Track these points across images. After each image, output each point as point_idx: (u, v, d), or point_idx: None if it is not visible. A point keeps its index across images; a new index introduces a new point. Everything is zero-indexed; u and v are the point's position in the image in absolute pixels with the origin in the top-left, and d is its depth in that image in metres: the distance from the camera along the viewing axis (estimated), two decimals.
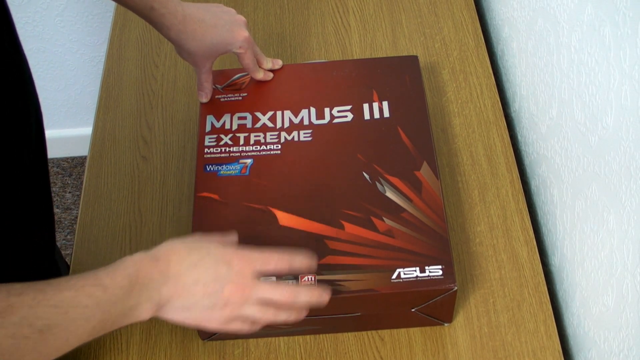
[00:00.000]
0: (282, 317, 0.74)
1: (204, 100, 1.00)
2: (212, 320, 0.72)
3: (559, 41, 0.88)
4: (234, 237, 0.78)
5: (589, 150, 0.82)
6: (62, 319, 0.62)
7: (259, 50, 1.01)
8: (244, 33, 0.96)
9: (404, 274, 0.82)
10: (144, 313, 0.68)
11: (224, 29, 0.95)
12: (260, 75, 1.01)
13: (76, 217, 1.31)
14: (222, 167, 0.92)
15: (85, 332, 0.64)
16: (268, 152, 0.93)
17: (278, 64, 1.03)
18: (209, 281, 0.70)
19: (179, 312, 0.71)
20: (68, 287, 0.64)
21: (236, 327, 0.73)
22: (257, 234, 0.86)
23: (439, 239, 0.85)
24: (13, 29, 0.80)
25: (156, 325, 0.92)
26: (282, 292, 0.73)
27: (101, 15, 1.71)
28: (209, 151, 0.94)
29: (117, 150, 1.09)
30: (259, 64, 1.01)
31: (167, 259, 0.70)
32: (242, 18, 0.97)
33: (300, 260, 0.76)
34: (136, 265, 0.68)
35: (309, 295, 0.75)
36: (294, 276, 0.83)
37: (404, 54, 1.16)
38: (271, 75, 1.02)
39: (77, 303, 0.63)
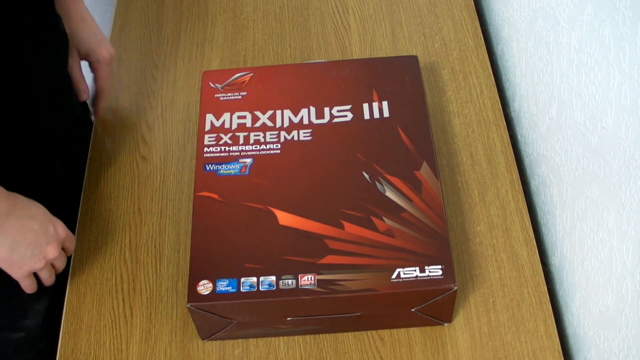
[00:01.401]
0: (44, 275, 0.88)
1: (84, 98, 1.04)
2: (22, 268, 0.83)
3: (559, 41, 0.88)
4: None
5: (589, 150, 0.82)
6: None
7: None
8: (111, 50, 1.04)
9: (404, 273, 0.82)
10: None
11: (98, 36, 1.03)
12: (102, 102, 1.07)
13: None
14: (222, 167, 0.92)
15: None
16: (268, 152, 0.93)
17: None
18: (39, 234, 0.83)
19: (4, 249, 0.81)
20: None
21: (29, 284, 0.86)
22: (257, 234, 0.86)
23: (439, 238, 0.85)
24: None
25: (156, 325, 0.92)
26: (62, 260, 0.88)
27: (101, 15, 1.70)
28: (208, 150, 0.94)
29: (117, 150, 1.09)
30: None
31: (15, 200, 0.81)
32: (112, 49, 1.05)
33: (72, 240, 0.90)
34: None
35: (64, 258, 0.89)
36: (293, 276, 0.83)
37: (403, 54, 1.16)
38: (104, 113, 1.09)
39: None
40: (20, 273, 0.84)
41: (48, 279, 0.87)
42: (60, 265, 0.88)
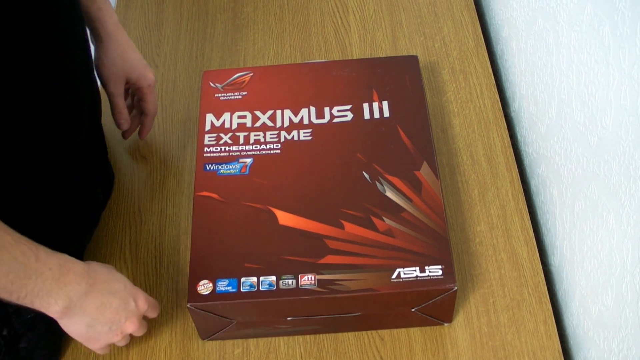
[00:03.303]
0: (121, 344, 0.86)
1: (125, 127, 1.03)
2: (100, 343, 0.81)
3: (559, 41, 0.88)
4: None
5: (589, 150, 0.82)
6: None
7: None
8: (153, 77, 1.01)
9: (404, 273, 0.82)
10: (54, 307, 0.74)
11: (142, 61, 1.01)
12: (150, 124, 1.05)
13: None
14: (222, 166, 0.92)
15: None
16: (268, 152, 0.93)
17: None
18: (118, 310, 0.79)
19: (82, 327, 0.78)
20: (11, 234, 0.69)
21: (104, 352, 0.85)
22: (257, 234, 0.86)
23: (439, 238, 0.85)
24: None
25: (156, 325, 0.92)
26: (143, 330, 0.85)
27: None
28: (208, 150, 0.94)
29: (117, 150, 1.09)
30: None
31: (95, 276, 0.78)
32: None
33: (155, 308, 0.87)
34: (70, 263, 0.74)
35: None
36: (293, 276, 0.83)
37: (403, 54, 1.16)
38: (144, 132, 1.06)
39: (9, 250, 0.68)
40: (96, 347, 0.82)
41: (123, 344, 0.85)
42: (140, 334, 0.85)
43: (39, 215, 0.83)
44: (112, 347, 0.91)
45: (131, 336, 0.86)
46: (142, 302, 0.82)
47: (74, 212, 0.90)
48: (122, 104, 1.00)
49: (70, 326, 0.78)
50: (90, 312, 0.77)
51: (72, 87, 0.84)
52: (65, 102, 0.82)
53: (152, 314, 0.86)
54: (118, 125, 1.02)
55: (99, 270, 0.79)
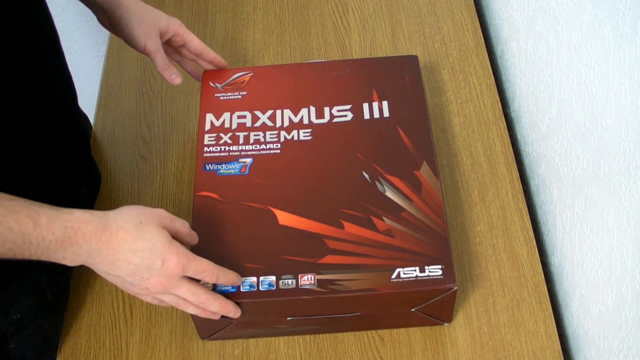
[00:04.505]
0: (190, 311, 0.81)
1: (178, 80, 1.00)
2: (128, 291, 0.78)
3: (559, 41, 0.88)
4: (188, 229, 0.81)
5: (589, 150, 0.82)
6: None
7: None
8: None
9: (404, 273, 0.82)
10: (67, 261, 0.72)
11: (160, 11, 0.99)
12: (212, 54, 1.02)
13: None
14: (222, 166, 0.92)
15: None
16: (268, 152, 0.93)
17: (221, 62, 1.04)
18: (140, 267, 0.74)
19: (103, 273, 0.76)
20: (5, 202, 0.67)
21: (147, 300, 0.80)
22: (257, 234, 0.86)
23: (439, 238, 0.85)
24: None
25: (156, 325, 0.92)
26: (197, 298, 0.79)
27: None
28: (208, 150, 0.94)
29: (116, 150, 1.09)
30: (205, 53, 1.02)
31: (113, 233, 0.73)
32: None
33: (227, 277, 0.81)
34: (79, 224, 0.71)
35: (220, 307, 0.81)
36: (293, 276, 0.83)
37: (403, 54, 1.16)
38: (224, 62, 1.03)
39: (2, 220, 0.66)
40: (129, 292, 0.79)
41: (176, 305, 0.80)
42: (190, 297, 0.79)
43: None
44: (111, 346, 0.91)
45: (182, 300, 0.79)
46: (172, 265, 0.75)
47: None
48: (164, 58, 0.98)
49: (96, 271, 0.75)
50: (103, 266, 0.74)
51: (40, 67, 0.82)
52: (34, 84, 0.80)
53: (195, 276, 0.78)
54: (171, 81, 0.99)
55: (124, 227, 0.73)
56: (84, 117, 1.07)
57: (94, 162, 1.04)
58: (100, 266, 0.74)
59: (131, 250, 0.73)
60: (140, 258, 0.74)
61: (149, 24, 0.96)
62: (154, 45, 0.97)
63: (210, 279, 0.79)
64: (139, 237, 0.74)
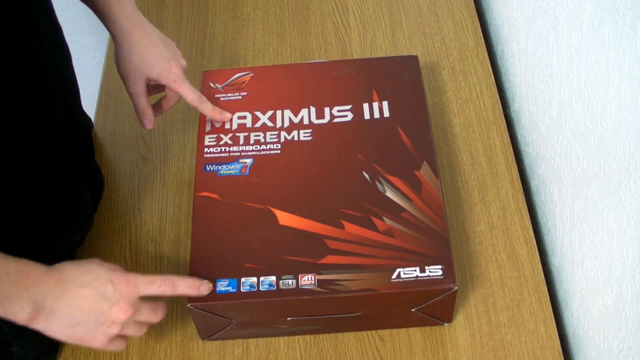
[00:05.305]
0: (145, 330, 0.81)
1: (150, 127, 0.97)
2: (97, 339, 0.76)
3: (559, 41, 0.88)
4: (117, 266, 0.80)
5: (589, 150, 0.82)
6: None
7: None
8: (179, 69, 0.93)
9: (404, 273, 0.82)
10: (21, 314, 0.71)
11: (164, 55, 0.93)
12: (209, 109, 0.96)
13: None
14: (222, 167, 0.92)
15: None
16: (268, 152, 0.93)
17: (224, 116, 0.97)
18: (95, 299, 0.74)
19: (65, 328, 0.74)
20: None
21: (117, 346, 0.79)
22: (257, 234, 0.86)
23: (439, 238, 0.85)
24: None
25: (156, 325, 0.92)
26: (158, 316, 0.80)
27: None
28: (208, 151, 0.94)
29: (116, 149, 1.09)
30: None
31: (59, 274, 0.74)
32: (182, 59, 0.96)
33: (185, 284, 0.81)
34: (28, 268, 0.72)
35: (188, 285, 0.81)
36: (293, 276, 0.83)
37: (403, 54, 1.16)
38: (228, 115, 0.97)
39: None
40: (96, 344, 0.77)
41: (137, 334, 0.80)
42: (148, 317, 0.79)
43: (18, 211, 0.81)
44: None
45: (144, 324, 0.80)
46: (122, 285, 0.76)
47: (56, 209, 0.88)
48: (143, 103, 0.94)
49: (54, 331, 0.74)
50: (64, 311, 0.73)
51: (39, 66, 0.81)
52: (33, 84, 0.79)
53: (149, 291, 0.78)
54: (142, 125, 0.97)
55: (66, 268, 0.75)
56: (86, 118, 1.07)
57: (97, 165, 1.04)
58: (60, 315, 0.73)
59: (80, 284, 0.74)
60: (91, 289, 0.74)
61: (136, 68, 0.92)
62: (133, 89, 0.93)
63: (166, 287, 0.79)
64: (83, 272, 0.75)
